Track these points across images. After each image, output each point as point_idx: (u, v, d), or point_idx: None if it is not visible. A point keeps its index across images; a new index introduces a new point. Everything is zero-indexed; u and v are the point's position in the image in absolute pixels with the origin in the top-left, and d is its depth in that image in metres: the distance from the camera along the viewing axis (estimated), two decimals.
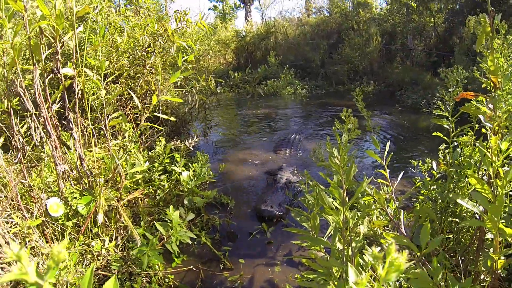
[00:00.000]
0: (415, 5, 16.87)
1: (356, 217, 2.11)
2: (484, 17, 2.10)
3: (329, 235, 2.59)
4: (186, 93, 7.07)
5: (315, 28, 21.28)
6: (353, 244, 2.07)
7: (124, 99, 6.04)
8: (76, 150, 3.81)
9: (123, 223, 3.92)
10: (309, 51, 18.32)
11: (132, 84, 5.98)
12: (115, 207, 3.86)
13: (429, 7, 16.65)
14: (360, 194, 2.59)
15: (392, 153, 3.25)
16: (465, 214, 3.23)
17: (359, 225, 2.17)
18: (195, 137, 5.16)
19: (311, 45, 19.04)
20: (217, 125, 10.31)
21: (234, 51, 20.02)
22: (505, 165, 2.60)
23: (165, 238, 3.62)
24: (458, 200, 2.20)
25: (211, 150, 7.95)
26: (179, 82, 6.72)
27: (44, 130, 3.72)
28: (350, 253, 2.10)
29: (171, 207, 3.67)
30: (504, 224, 2.72)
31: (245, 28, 21.70)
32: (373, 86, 14.95)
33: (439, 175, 3.44)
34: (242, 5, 32.06)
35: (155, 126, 4.11)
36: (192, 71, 4.62)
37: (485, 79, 2.55)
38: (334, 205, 2.08)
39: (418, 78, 14.29)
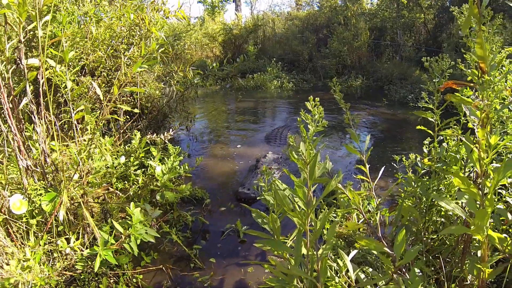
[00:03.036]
0: (406, 1, 16.79)
1: (325, 219, 1.89)
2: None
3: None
4: (165, 85, 6.88)
5: (304, 22, 21.12)
6: (320, 251, 1.85)
7: (102, 92, 5.81)
8: (39, 145, 3.60)
9: None
10: (297, 44, 18.13)
11: (110, 77, 5.74)
12: (81, 203, 3.65)
13: (420, 3, 16.58)
14: (337, 193, 2.38)
15: (372, 148, 3.05)
16: (451, 213, 3.05)
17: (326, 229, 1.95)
18: (171, 130, 4.96)
19: (300, 39, 18.87)
20: (200, 117, 10.18)
21: (222, 44, 19.80)
22: (493, 161, 2.41)
23: (123, 237, 3.40)
24: (442, 203, 1.97)
25: (192, 143, 7.77)
26: (155, 74, 6.51)
27: (6, 125, 3.51)
28: (315, 259, 1.88)
29: (132, 204, 3.45)
30: (492, 224, 2.53)
31: (233, 22, 21.47)
32: (361, 80, 14.81)
33: (423, 171, 3.25)
34: None
35: (116, 117, 3.88)
36: (156, 60, 4.41)
37: (469, 71, 2.36)
38: (299, 206, 1.86)
39: (406, 73, 14.29)
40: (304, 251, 1.95)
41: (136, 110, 4.18)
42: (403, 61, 15.89)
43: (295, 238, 2.07)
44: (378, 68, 15.62)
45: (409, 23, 17.53)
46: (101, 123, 3.58)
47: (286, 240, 2.82)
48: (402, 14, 17.52)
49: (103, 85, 5.71)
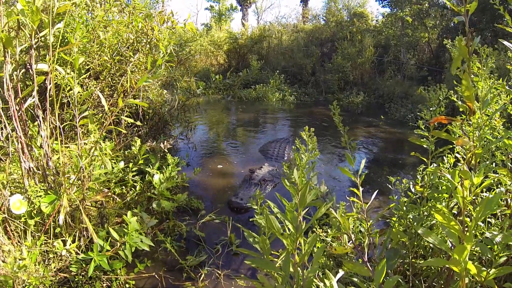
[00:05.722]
0: (411, 20, 16.91)
1: (312, 243, 1.97)
2: (460, 39, 1.96)
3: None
4: (167, 91, 6.95)
5: (309, 35, 21.23)
6: (306, 272, 1.92)
7: (104, 96, 5.87)
8: (42, 148, 3.67)
9: None
10: (301, 57, 18.18)
11: (114, 82, 5.81)
12: (79, 207, 3.71)
13: (424, 22, 16.70)
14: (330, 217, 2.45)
15: (366, 172, 3.12)
16: (440, 238, 3.10)
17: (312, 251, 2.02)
18: (171, 139, 5.02)
19: (304, 52, 18.93)
20: (200, 126, 10.16)
21: (227, 53, 19.87)
22: (481, 193, 2.48)
23: (118, 244, 3.46)
24: (420, 232, 2.05)
25: (191, 153, 7.76)
26: (160, 82, 6.58)
27: (12, 126, 3.58)
28: (301, 280, 1.95)
29: (129, 212, 3.53)
30: (479, 252, 2.60)
31: (241, 31, 21.58)
32: (362, 97, 14.85)
33: (416, 196, 3.32)
34: (239, 7, 31.99)
35: (119, 129, 3.95)
36: (161, 75, 4.49)
37: (460, 103, 2.44)
38: (289, 229, 1.94)
39: (408, 92, 14.33)
40: (291, 270, 2.03)
41: (138, 123, 4.24)
42: (405, 79, 15.96)
43: (283, 257, 2.14)
44: (380, 85, 15.70)
45: (413, 41, 17.66)
46: (104, 132, 3.65)
47: (275, 259, 2.89)
48: (406, 33, 17.66)
49: (107, 89, 5.77)
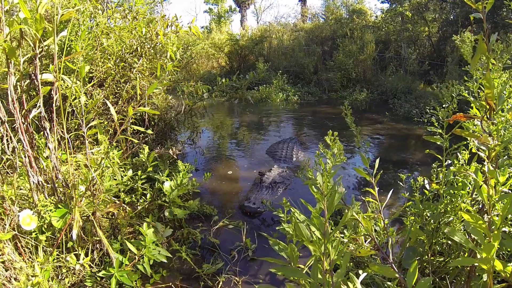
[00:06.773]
0: (410, 14, 16.87)
1: (338, 248, 1.93)
2: (481, 36, 1.93)
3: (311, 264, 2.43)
4: (173, 99, 6.91)
5: (309, 34, 21.21)
6: (335, 278, 1.89)
7: (110, 103, 5.84)
8: (51, 161, 3.62)
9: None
10: (303, 57, 18.13)
11: (118, 88, 5.78)
12: (91, 220, 3.67)
13: (424, 16, 16.65)
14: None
15: (381, 171, 3.09)
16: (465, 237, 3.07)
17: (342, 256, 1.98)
18: (179, 144, 4.99)
19: (305, 51, 18.90)
20: (206, 130, 10.14)
21: (228, 54, 19.85)
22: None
23: (136, 257, 3.43)
24: (446, 231, 2.01)
25: (199, 158, 7.71)
26: (165, 87, 6.54)
27: (18, 139, 3.53)
28: (330, 286, 1.92)
29: (144, 224, 3.49)
30: (497, 246, 2.57)
31: (241, 32, 21.57)
32: (366, 94, 14.81)
33: (431, 193, 3.28)
34: (237, 9, 31.94)
35: (130, 138, 3.91)
36: (171, 79, 4.46)
37: (472, 99, 2.41)
38: (315, 235, 1.90)
39: (411, 87, 14.24)
40: (319, 277, 2.00)
41: (149, 132, 4.19)
42: (407, 74, 15.91)
43: (311, 264, 2.11)
44: (382, 81, 15.63)
45: (414, 36, 17.62)
46: (114, 143, 3.61)
47: (301, 266, 2.86)
48: (406, 27, 17.62)
49: (111, 96, 5.74)
